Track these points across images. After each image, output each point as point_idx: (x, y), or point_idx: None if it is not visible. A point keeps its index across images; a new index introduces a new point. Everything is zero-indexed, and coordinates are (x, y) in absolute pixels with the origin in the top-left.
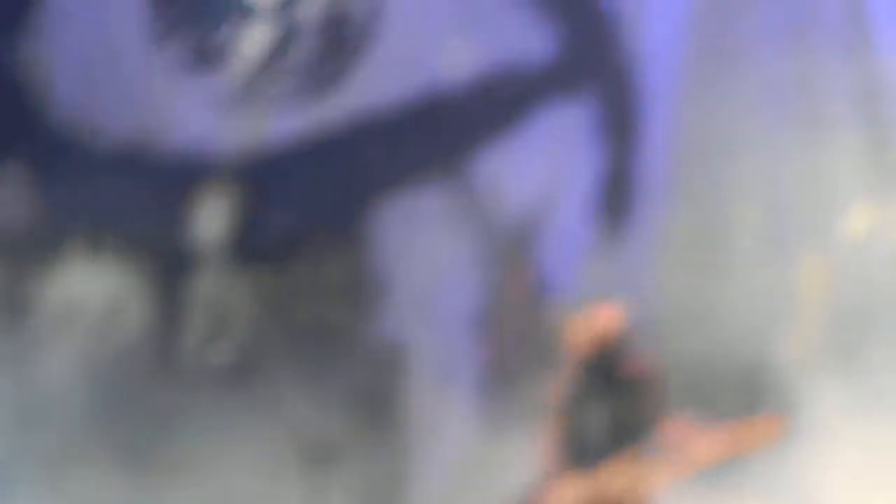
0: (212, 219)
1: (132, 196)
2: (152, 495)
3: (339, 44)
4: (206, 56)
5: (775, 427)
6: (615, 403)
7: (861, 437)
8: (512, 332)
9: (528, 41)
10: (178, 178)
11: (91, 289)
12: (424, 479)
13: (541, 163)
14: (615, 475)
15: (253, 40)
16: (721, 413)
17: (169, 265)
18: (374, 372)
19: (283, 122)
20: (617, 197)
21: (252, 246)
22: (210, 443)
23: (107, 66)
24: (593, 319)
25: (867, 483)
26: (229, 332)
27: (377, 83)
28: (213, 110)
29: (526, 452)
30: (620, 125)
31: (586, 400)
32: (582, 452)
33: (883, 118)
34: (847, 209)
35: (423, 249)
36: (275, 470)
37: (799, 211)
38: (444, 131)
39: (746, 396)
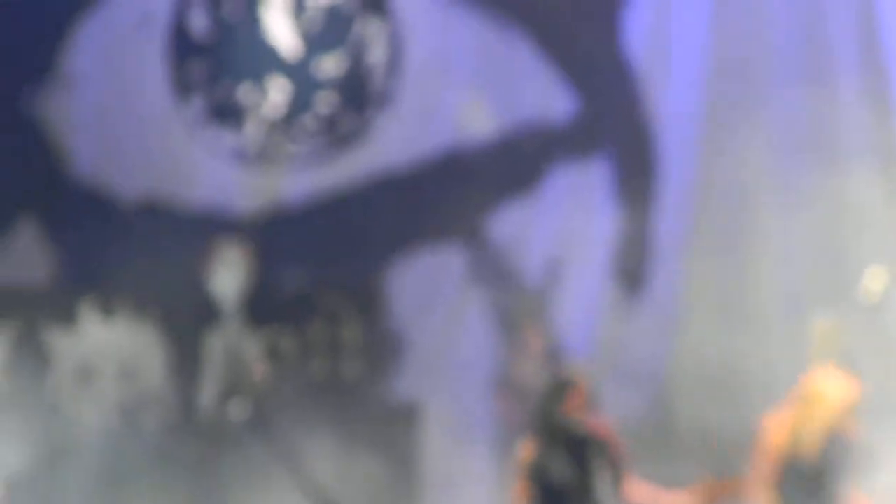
0: (229, 275)
1: (150, 252)
2: None
3: (359, 101)
4: (225, 113)
5: (735, 489)
6: (579, 464)
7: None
8: (528, 392)
9: (548, 100)
10: (196, 234)
11: (109, 344)
12: None
13: (559, 222)
14: None
15: (272, 97)
16: (732, 474)
17: (186, 321)
18: (390, 429)
19: (302, 179)
20: (635, 257)
21: (269, 303)
22: (229, 496)
23: (127, 123)
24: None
25: None
26: (246, 388)
27: (396, 140)
28: (233, 167)
29: None
30: (639, 184)
31: (551, 460)
32: None
33: None
34: (863, 270)
35: (440, 308)
36: None
37: (818, 272)
38: (462, 189)
39: None
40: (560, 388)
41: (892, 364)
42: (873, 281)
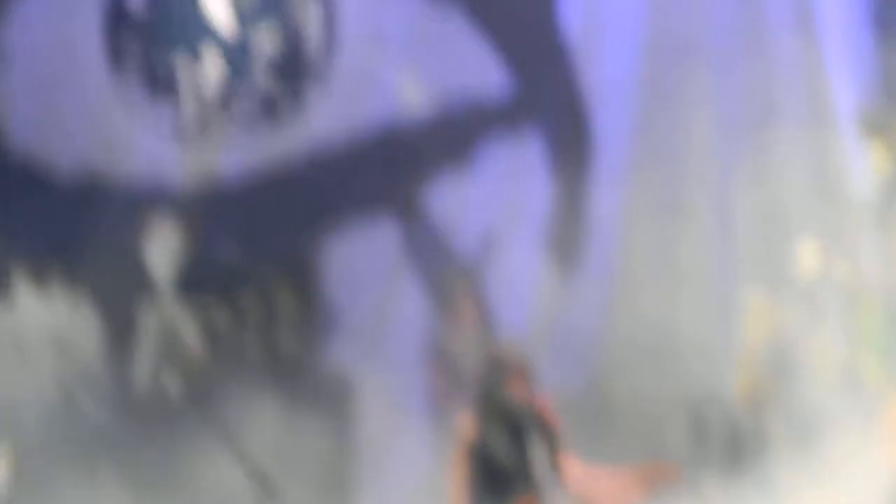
0: (165, 250)
1: (85, 226)
2: None
3: (294, 77)
4: (161, 87)
5: (672, 473)
6: (518, 442)
7: (805, 475)
8: (462, 364)
9: (483, 73)
10: (131, 209)
11: (43, 318)
12: None
13: (493, 196)
14: None
15: (208, 73)
16: (669, 447)
17: (121, 295)
18: (325, 401)
19: (237, 155)
20: (570, 229)
21: (204, 277)
22: (164, 469)
23: (64, 96)
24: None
25: None
26: (181, 362)
27: (330, 116)
28: (168, 142)
29: None
30: (574, 157)
31: (490, 438)
32: (488, 488)
33: (834, 154)
34: (797, 245)
35: (375, 280)
36: (226, 498)
37: (751, 248)
38: (396, 164)
39: (694, 432)
40: (501, 366)
41: (825, 338)
42: (807, 256)
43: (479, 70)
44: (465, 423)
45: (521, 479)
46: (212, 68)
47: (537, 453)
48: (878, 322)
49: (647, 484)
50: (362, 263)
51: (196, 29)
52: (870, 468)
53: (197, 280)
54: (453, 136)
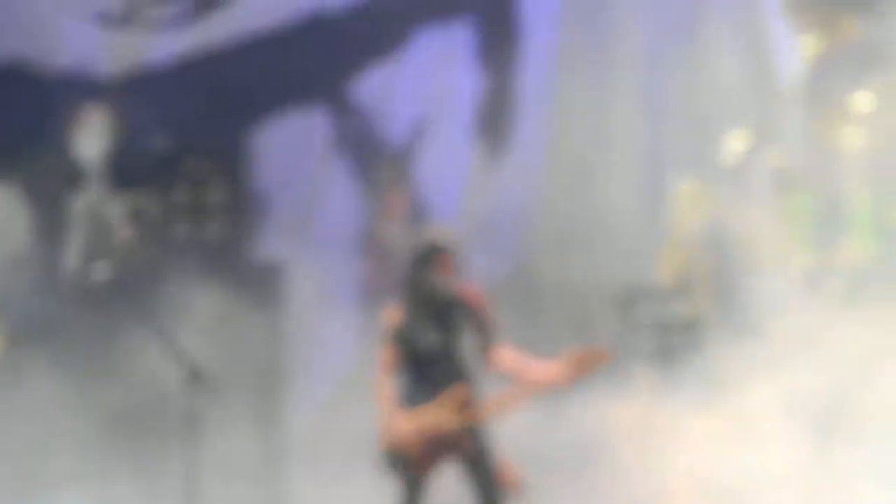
0: (93, 138)
1: (14, 114)
2: (31, 405)
3: None
4: None
5: (602, 358)
6: (447, 329)
7: (743, 361)
8: (393, 253)
9: None
10: (60, 97)
11: None
12: (304, 394)
13: (423, 83)
14: (449, 403)
15: None
16: (600, 336)
17: (50, 184)
18: (254, 290)
19: (167, 41)
20: (498, 117)
21: (133, 165)
22: (94, 357)
23: None
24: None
25: (742, 390)
26: (109, 251)
27: (260, 2)
28: (97, 29)
29: None
30: (501, 44)
31: (419, 325)
32: (417, 376)
33: (764, 37)
34: (727, 128)
35: (305, 169)
36: (157, 386)
37: (680, 133)
38: (327, 51)
39: (625, 320)
40: (429, 252)
41: (755, 222)
42: (737, 140)
43: None
44: (391, 312)
45: (451, 367)
46: None
47: (467, 341)
48: (806, 204)
49: (579, 369)
50: (292, 151)
51: None
52: (809, 351)
53: (126, 168)
54: (383, 23)
